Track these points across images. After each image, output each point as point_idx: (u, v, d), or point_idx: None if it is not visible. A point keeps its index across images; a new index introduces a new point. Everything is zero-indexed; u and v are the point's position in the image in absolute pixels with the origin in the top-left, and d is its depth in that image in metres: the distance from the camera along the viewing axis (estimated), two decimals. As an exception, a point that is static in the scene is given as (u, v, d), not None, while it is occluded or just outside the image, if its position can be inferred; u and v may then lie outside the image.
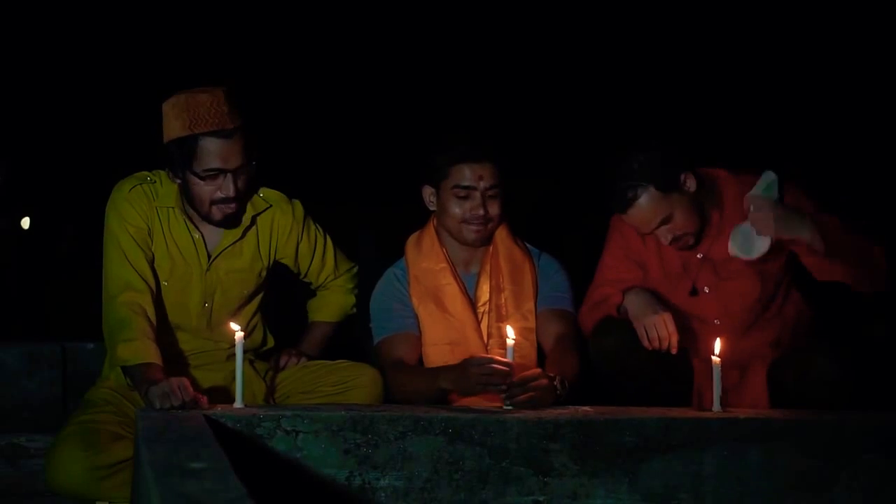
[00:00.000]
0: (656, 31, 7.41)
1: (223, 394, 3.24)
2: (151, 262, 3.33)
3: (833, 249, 3.35)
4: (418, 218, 3.66)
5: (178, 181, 3.31)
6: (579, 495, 2.94)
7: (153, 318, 3.23)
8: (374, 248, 4.09)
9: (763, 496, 3.00)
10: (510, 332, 3.19)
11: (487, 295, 3.50)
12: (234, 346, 3.05)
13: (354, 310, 3.72)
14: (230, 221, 3.35)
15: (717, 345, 3.18)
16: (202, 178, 3.24)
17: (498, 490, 2.91)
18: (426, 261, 3.53)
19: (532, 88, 7.59)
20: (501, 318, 3.48)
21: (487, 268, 3.52)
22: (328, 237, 3.63)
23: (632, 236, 3.59)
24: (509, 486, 2.91)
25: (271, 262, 3.51)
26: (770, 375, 3.47)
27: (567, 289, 3.58)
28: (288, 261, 3.57)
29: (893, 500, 3.05)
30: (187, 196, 3.31)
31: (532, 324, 3.50)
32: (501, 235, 3.55)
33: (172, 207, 3.34)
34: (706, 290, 3.54)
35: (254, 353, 3.51)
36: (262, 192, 3.47)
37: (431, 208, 3.54)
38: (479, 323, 3.49)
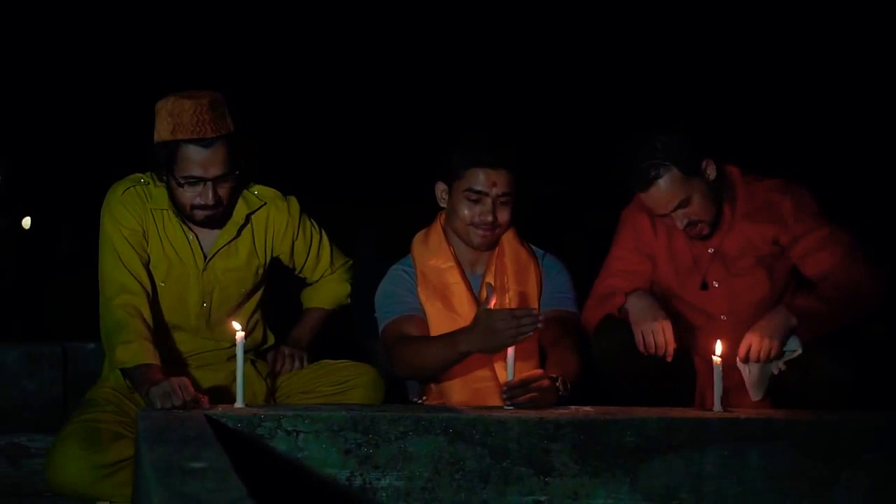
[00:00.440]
0: (656, 31, 7.41)
1: (224, 394, 3.24)
2: (147, 264, 3.33)
3: (821, 328, 3.38)
4: (419, 218, 3.66)
5: (163, 182, 3.32)
6: (580, 495, 2.94)
7: (149, 320, 3.23)
8: (374, 248, 4.09)
9: (764, 496, 3.00)
10: None
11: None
12: (234, 345, 3.05)
13: (349, 300, 3.71)
14: (213, 223, 3.36)
15: (718, 346, 3.18)
16: (181, 185, 3.25)
17: (499, 490, 2.91)
18: (434, 258, 3.52)
19: (532, 88, 7.59)
20: (505, 318, 3.46)
21: (493, 268, 3.52)
22: (323, 232, 3.63)
23: (644, 229, 3.61)
24: (510, 486, 2.91)
25: (268, 259, 3.51)
26: (771, 376, 3.47)
27: (570, 289, 3.57)
28: (284, 257, 3.57)
29: (894, 500, 3.05)
30: (171, 197, 3.32)
31: (535, 324, 3.49)
32: (508, 237, 3.54)
33: (166, 209, 3.35)
34: (716, 284, 3.56)
35: (254, 352, 3.51)
36: (257, 190, 3.47)
37: (442, 204, 3.54)
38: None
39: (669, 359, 3.32)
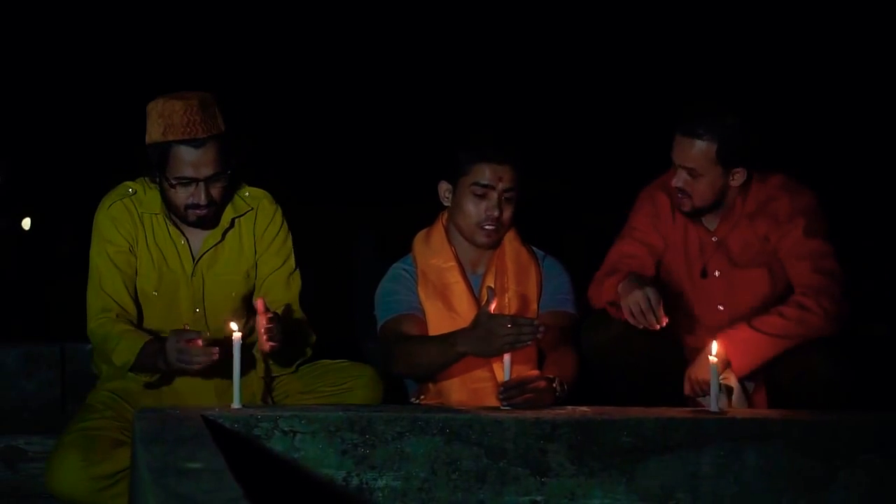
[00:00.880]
0: (657, 32, 7.41)
1: (223, 394, 3.24)
2: (133, 280, 3.35)
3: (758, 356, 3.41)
4: (419, 218, 3.67)
5: (156, 184, 3.33)
6: (577, 495, 2.94)
7: (125, 318, 3.29)
8: (374, 248, 4.10)
9: (760, 496, 3.00)
10: None
11: None
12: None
13: (310, 352, 3.47)
14: (206, 224, 3.36)
15: (714, 346, 3.18)
16: (173, 186, 3.26)
17: (495, 490, 2.91)
18: (435, 257, 3.53)
19: (532, 89, 7.59)
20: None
21: (493, 268, 3.52)
22: (298, 271, 3.49)
23: (663, 209, 3.63)
24: (507, 487, 2.91)
25: (257, 261, 3.48)
26: (769, 375, 3.47)
27: (569, 291, 3.58)
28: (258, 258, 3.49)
29: (892, 500, 3.04)
30: (163, 198, 3.33)
31: (535, 326, 3.49)
32: (509, 237, 3.55)
33: (157, 214, 3.36)
34: (717, 273, 3.57)
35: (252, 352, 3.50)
36: (248, 192, 3.46)
37: (445, 203, 3.54)
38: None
39: (661, 323, 3.30)
